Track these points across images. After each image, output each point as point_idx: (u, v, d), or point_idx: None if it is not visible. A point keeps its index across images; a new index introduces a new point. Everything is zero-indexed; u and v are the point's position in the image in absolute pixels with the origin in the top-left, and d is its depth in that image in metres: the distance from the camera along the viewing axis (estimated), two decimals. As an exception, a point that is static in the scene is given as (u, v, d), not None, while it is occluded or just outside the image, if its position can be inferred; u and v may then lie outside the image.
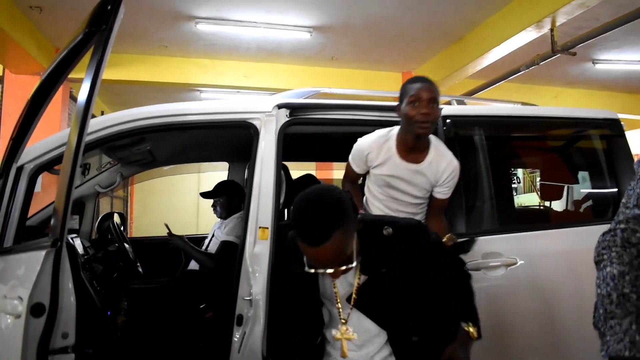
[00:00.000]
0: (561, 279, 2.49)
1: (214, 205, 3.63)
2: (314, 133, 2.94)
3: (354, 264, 1.53)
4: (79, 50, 1.65)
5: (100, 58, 1.44)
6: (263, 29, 6.44)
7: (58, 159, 2.25)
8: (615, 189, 2.77)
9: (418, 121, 2.21)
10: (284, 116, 2.49)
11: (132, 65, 7.52)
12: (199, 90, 8.66)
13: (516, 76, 6.83)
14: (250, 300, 2.25)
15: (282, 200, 2.75)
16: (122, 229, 3.75)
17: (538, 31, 5.52)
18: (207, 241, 3.59)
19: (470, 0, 5.71)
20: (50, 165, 2.27)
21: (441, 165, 2.36)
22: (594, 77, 8.54)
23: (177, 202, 11.75)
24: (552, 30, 5.32)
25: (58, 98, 7.20)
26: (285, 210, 3.27)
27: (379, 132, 2.44)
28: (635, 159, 2.69)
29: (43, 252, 1.33)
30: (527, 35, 5.70)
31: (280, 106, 2.50)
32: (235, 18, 6.20)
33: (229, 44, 7.07)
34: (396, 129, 2.39)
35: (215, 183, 3.67)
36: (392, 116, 2.67)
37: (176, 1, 5.75)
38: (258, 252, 2.29)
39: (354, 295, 1.70)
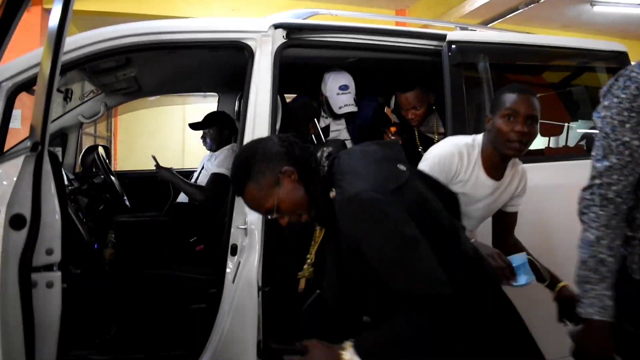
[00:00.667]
0: (550, 208, 2.45)
1: (203, 137, 3.50)
2: (312, 56, 2.79)
3: (274, 216, 1.52)
4: None
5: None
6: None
7: (28, 83, 2.10)
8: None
9: (511, 140, 1.88)
10: (280, 37, 2.35)
11: (113, -2, 7.22)
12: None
13: (512, 16, 6.66)
14: (245, 229, 2.17)
15: (278, 128, 2.63)
16: (107, 161, 3.62)
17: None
18: (196, 174, 3.48)
19: None
20: (29, 84, 2.11)
21: (516, 176, 2.11)
22: (591, 20, 8.38)
23: (162, 142, 11.56)
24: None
25: (36, 29, 6.91)
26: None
27: (463, 139, 2.08)
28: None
29: (22, 158, 1.20)
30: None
31: (277, 26, 2.35)
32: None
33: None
34: (479, 137, 2.06)
35: (203, 116, 3.53)
36: (397, 41, 2.54)
37: None
38: (253, 180, 2.19)
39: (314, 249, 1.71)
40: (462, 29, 2.82)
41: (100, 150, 3.63)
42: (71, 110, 3.43)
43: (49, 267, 1.31)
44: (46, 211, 1.26)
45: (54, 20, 1.34)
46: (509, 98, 1.90)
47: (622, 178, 1.39)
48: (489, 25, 7.23)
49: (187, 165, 10.80)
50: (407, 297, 1.34)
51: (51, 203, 1.28)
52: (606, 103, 1.42)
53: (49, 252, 1.31)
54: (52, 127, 3.11)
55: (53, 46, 1.27)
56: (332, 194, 1.49)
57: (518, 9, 6.28)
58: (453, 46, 2.48)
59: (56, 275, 1.38)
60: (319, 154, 1.58)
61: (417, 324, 1.32)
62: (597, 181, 1.41)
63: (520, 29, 8.34)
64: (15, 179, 1.21)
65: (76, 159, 3.68)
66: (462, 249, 1.50)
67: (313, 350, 1.37)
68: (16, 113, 7.09)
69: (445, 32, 2.56)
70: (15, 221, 1.24)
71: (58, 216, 1.30)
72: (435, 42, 2.54)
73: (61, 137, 3.58)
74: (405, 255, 1.36)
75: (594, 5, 7.51)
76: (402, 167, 1.49)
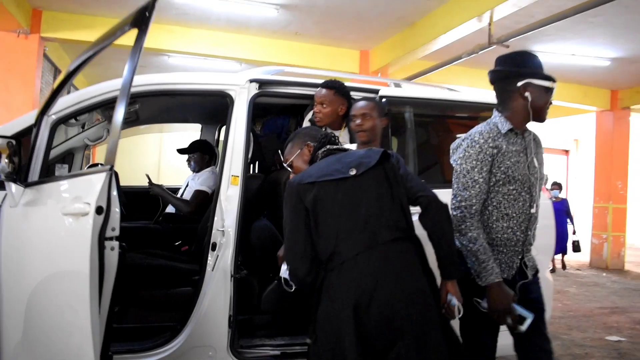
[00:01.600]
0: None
1: (188, 160, 4.26)
2: (277, 104, 3.60)
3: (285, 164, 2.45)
4: (114, 37, 2.27)
5: (139, 48, 2.11)
6: (233, 3, 6.95)
7: (71, 115, 2.84)
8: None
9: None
10: (254, 89, 3.12)
11: (106, 28, 7.79)
12: (167, 55, 9.07)
13: (462, 61, 7.55)
14: (223, 231, 2.92)
15: (250, 155, 3.41)
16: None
17: (479, 23, 6.25)
18: (181, 190, 4.23)
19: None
20: (66, 118, 2.85)
21: None
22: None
23: (139, 162, 12.20)
24: (489, 24, 6.06)
25: (33, 55, 7.57)
26: (251, 165, 3.95)
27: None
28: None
29: (104, 173, 1.98)
30: (470, 26, 6.41)
31: (251, 80, 3.13)
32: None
33: (200, 14, 7.53)
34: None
35: (177, 144, 4.31)
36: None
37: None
38: (230, 194, 2.96)
39: None
40: (396, 85, 3.67)
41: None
42: (79, 134, 4.14)
43: (112, 238, 2.09)
44: (113, 205, 2.08)
45: (126, 78, 2.13)
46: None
47: (476, 201, 2.22)
48: (443, 68, 8.12)
49: (161, 182, 11.60)
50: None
51: (115, 198, 2.07)
52: (461, 155, 2.26)
53: (113, 229, 2.07)
54: (62, 148, 3.88)
55: (126, 97, 2.04)
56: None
57: (461, 58, 7.18)
58: (383, 100, 3.31)
59: (116, 244, 2.14)
60: (324, 149, 2.32)
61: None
62: (464, 204, 2.22)
63: (471, 71, 9.33)
64: (99, 185, 1.99)
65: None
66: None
67: None
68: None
69: (380, 87, 3.40)
70: (98, 210, 2.01)
71: (118, 209, 2.08)
72: (372, 95, 3.35)
73: (69, 156, 4.28)
74: (287, 231, 2.14)
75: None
76: (351, 171, 2.11)
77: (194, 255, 3.41)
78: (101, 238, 1.99)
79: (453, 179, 2.29)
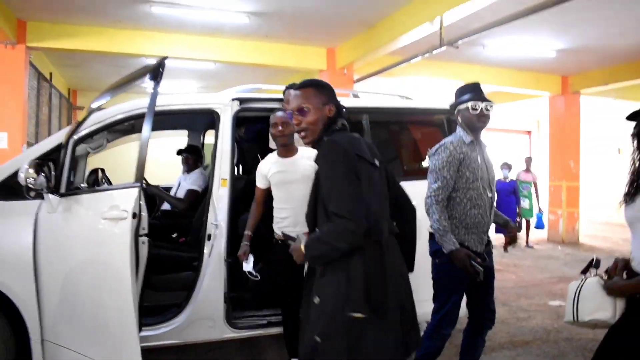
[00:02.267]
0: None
1: (183, 162, 4.91)
2: (255, 117, 4.27)
3: (296, 115, 2.33)
4: (130, 84, 2.95)
5: (156, 93, 2.85)
6: (208, 11, 7.50)
7: (88, 135, 3.47)
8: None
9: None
10: (236, 106, 3.79)
11: (88, 36, 8.31)
12: (145, 57, 9.54)
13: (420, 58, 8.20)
14: (216, 224, 3.60)
15: (235, 161, 4.09)
16: (108, 178, 4.96)
17: (431, 27, 6.91)
18: (174, 189, 4.89)
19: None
20: (81, 140, 3.45)
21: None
22: (487, 57, 10.06)
23: (132, 163, 12.64)
24: (440, 28, 6.75)
25: (21, 65, 8.02)
26: (236, 168, 4.62)
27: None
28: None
29: (137, 188, 2.68)
30: (424, 30, 7.04)
31: (233, 99, 3.79)
32: (185, 3, 7.21)
33: (177, 22, 8.01)
34: None
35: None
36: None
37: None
38: (221, 194, 3.65)
39: None
40: (355, 96, 4.37)
41: (100, 172, 4.96)
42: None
43: (143, 235, 2.81)
44: (143, 211, 2.79)
45: (151, 103, 2.83)
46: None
47: (442, 192, 2.99)
48: (405, 63, 8.70)
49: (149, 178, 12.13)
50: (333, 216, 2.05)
51: (144, 207, 2.79)
52: (436, 157, 3.03)
53: (143, 229, 2.79)
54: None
55: (151, 120, 2.74)
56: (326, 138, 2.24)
57: (417, 57, 7.87)
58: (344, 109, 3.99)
59: (146, 239, 2.88)
60: (342, 121, 2.32)
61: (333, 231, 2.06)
62: (434, 193, 3.00)
63: (433, 64, 10.01)
64: (134, 197, 2.70)
65: (83, 178, 4.99)
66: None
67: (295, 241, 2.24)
68: (2, 135, 8.58)
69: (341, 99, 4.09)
70: (134, 215, 2.71)
71: (145, 213, 2.80)
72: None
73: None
74: (343, 187, 2.05)
75: (485, 47, 9.16)
76: (375, 161, 2.26)
77: (191, 245, 4.09)
78: (136, 236, 2.68)
79: (428, 175, 3.10)
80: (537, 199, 10.76)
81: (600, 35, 8.52)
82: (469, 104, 3.04)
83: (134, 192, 2.73)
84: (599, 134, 15.62)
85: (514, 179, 10.29)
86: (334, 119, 2.27)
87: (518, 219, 9.74)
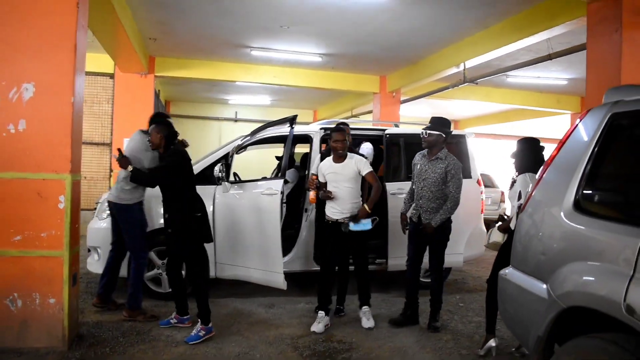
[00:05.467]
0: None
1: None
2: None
3: None
4: (277, 125, 5.65)
5: (292, 133, 5.61)
6: (291, 53, 10.08)
7: (242, 146, 6.07)
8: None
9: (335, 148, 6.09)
10: (322, 132, 6.31)
11: (199, 67, 11.10)
12: (236, 82, 12.15)
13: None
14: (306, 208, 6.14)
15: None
16: (236, 174, 7.58)
17: (457, 69, 9.30)
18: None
19: (419, 44, 9.36)
20: (239, 148, 6.04)
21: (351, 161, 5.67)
22: (510, 83, 12.33)
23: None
24: (464, 70, 9.13)
25: (150, 90, 10.74)
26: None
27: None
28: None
29: (282, 180, 5.40)
30: (452, 70, 9.47)
31: (321, 128, 6.33)
32: (275, 48, 9.82)
33: (267, 58, 10.61)
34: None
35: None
36: (365, 131, 6.57)
37: (239, 36, 9.28)
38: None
39: None
40: (395, 125, 6.84)
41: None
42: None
43: (283, 202, 5.44)
44: (285, 190, 5.43)
45: (290, 135, 5.72)
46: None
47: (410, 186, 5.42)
48: (446, 90, 11.04)
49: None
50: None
51: (283, 188, 5.45)
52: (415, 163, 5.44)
53: (283, 200, 5.34)
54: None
55: (290, 145, 5.36)
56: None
57: (448, 88, 10.24)
58: (387, 135, 6.47)
59: (284, 205, 5.37)
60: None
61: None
62: (407, 189, 5.46)
63: (468, 88, 12.29)
64: (281, 183, 5.34)
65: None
66: None
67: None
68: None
69: (386, 128, 6.57)
70: (281, 193, 5.40)
71: (285, 192, 5.43)
72: (380, 132, 6.52)
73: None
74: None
75: (508, 77, 11.38)
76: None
77: (293, 216, 6.60)
78: (280, 202, 5.26)
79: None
80: None
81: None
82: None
83: (280, 181, 5.35)
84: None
85: None
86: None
87: None
